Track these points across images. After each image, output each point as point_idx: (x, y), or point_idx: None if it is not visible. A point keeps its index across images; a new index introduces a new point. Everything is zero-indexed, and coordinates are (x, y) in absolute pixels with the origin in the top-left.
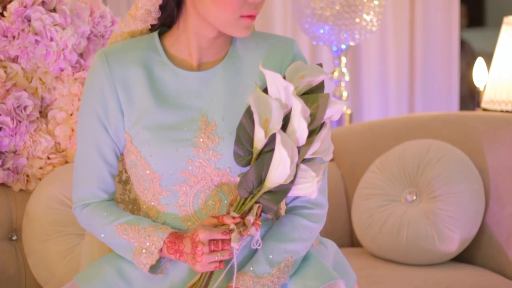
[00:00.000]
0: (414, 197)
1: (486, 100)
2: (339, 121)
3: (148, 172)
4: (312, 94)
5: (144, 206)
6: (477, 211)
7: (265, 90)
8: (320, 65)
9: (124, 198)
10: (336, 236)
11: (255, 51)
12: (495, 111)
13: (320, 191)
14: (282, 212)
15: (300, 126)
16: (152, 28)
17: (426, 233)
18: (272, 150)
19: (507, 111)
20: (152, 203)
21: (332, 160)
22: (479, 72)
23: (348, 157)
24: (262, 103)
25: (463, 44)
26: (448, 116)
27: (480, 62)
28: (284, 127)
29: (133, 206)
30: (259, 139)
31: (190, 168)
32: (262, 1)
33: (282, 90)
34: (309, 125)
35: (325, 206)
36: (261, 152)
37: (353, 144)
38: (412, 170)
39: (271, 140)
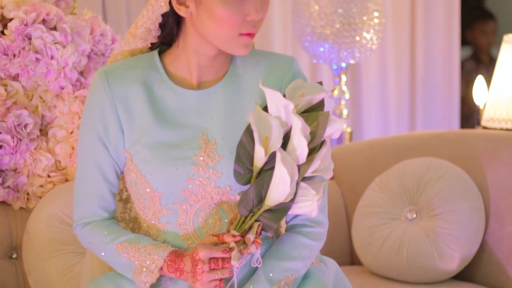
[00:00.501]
0: (414, 215)
1: (486, 118)
2: (339, 139)
3: (148, 190)
4: (312, 112)
5: (145, 225)
6: (477, 229)
7: (265, 108)
8: (320, 83)
9: (124, 216)
10: (336, 254)
11: (255, 69)
12: (495, 129)
13: (320, 209)
14: (283, 230)
15: (300, 144)
16: (152, 47)
17: (427, 251)
18: (272, 168)
19: (507, 129)
20: (153, 222)
21: (332, 178)
22: (479, 90)
23: (348, 175)
24: (262, 121)
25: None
26: (448, 134)
27: (480, 80)
28: (284, 145)
29: (134, 225)
30: (259, 157)
31: (190, 186)
32: (261, 19)
33: (282, 108)
34: (309, 143)
35: (326, 224)
36: (261, 170)
37: (353, 162)
38: (412, 188)
39: (271, 158)
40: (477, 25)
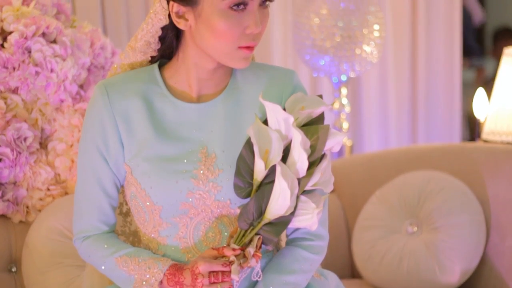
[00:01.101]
0: (415, 229)
1: (487, 132)
2: (340, 153)
3: (148, 204)
4: (312, 126)
5: (145, 238)
6: (478, 242)
7: (265, 122)
8: (320, 96)
9: (124, 230)
10: (336, 267)
11: (255, 83)
12: (496, 142)
13: (320, 222)
14: (283, 243)
15: (300, 158)
16: (152, 60)
17: (427, 265)
18: (272, 181)
19: (507, 143)
20: (153, 235)
21: (332, 191)
22: (480, 103)
23: (348, 188)
24: (262, 134)
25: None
26: (448, 147)
27: (480, 93)
28: (284, 158)
29: (134, 238)
30: (259, 171)
31: (190, 200)
32: (261, 32)
33: (282, 121)
34: (309, 157)
35: (326, 237)
36: (261, 184)
37: (354, 175)
38: (413, 202)
39: (271, 171)
40: None
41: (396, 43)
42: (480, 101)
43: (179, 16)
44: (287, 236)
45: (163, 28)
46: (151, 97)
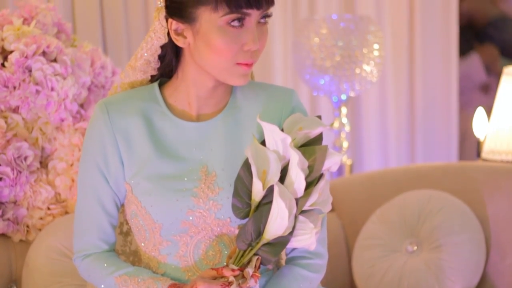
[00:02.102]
0: (415, 248)
1: (487, 151)
2: (340, 171)
3: (148, 222)
4: (310, 146)
5: (145, 257)
6: (478, 261)
7: (264, 142)
8: (319, 117)
9: (125, 249)
10: (336, 286)
11: (254, 102)
12: (496, 161)
13: (320, 241)
14: (283, 262)
15: (297, 178)
16: (152, 79)
17: (427, 284)
18: (271, 202)
19: (507, 162)
20: (153, 254)
21: (332, 210)
22: (479, 122)
23: (348, 207)
24: (260, 155)
25: None
26: (448, 166)
27: (480, 112)
28: (282, 179)
29: (134, 258)
30: (257, 191)
31: (191, 218)
32: (260, 49)
33: (279, 142)
34: (307, 177)
35: (325, 256)
36: (259, 204)
37: (354, 194)
38: (413, 221)
39: (269, 192)
40: None
41: (394, 62)
42: (479, 120)
43: (178, 33)
44: (286, 255)
45: (162, 47)
46: (151, 115)
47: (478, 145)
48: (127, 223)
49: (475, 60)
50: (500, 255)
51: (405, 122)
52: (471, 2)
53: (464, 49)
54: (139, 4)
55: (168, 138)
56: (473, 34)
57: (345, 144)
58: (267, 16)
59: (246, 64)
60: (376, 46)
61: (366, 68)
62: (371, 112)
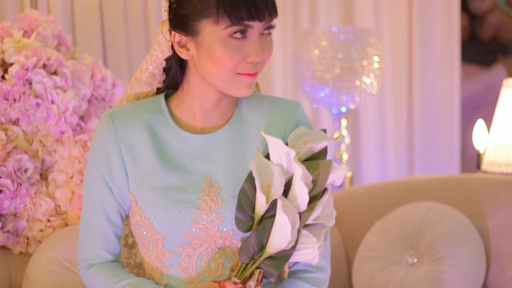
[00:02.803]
0: (415, 260)
1: (487, 163)
2: (340, 184)
3: (152, 233)
4: (314, 161)
5: (149, 268)
6: (478, 273)
7: (268, 155)
8: (324, 130)
9: (129, 262)
10: None
11: (259, 115)
12: (496, 173)
13: (322, 255)
14: (285, 275)
15: (301, 192)
16: (158, 92)
17: None
18: (274, 215)
19: (507, 174)
20: (156, 265)
21: None
22: (480, 134)
23: (348, 220)
24: (263, 168)
25: None
26: (448, 178)
27: (480, 124)
28: (286, 192)
29: (139, 270)
30: (261, 205)
31: (193, 230)
32: (264, 60)
33: (284, 155)
34: (310, 191)
35: (328, 270)
36: (262, 218)
37: (354, 207)
38: (413, 233)
39: (273, 205)
40: None
41: (394, 74)
42: (479, 132)
43: (181, 45)
44: (289, 268)
45: (167, 60)
46: (157, 127)
47: (478, 157)
48: (132, 236)
49: (499, 71)
50: (500, 267)
51: (404, 134)
52: (499, 15)
53: (489, 61)
54: (139, 16)
55: (173, 150)
56: (499, 46)
57: (345, 156)
58: (271, 27)
59: (249, 74)
60: (376, 58)
61: (366, 80)
62: (370, 124)
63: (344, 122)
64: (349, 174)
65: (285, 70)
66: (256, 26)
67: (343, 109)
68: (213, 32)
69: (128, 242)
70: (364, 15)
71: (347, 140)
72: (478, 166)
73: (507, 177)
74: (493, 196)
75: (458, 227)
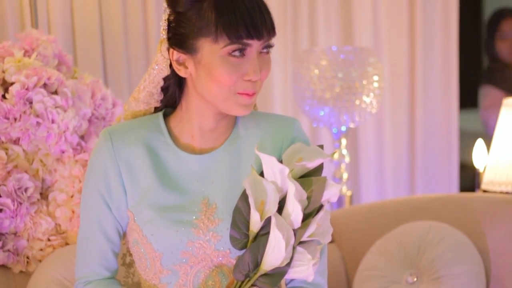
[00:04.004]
0: (415, 279)
1: (486, 182)
2: (339, 203)
3: (149, 250)
4: (309, 178)
5: (146, 285)
6: None
7: (262, 173)
8: (321, 146)
9: (127, 281)
10: None
11: (255, 132)
12: (495, 192)
13: (319, 272)
14: None
15: (294, 210)
16: (156, 111)
17: None
18: (268, 233)
19: (507, 193)
20: (153, 282)
21: (332, 241)
22: (479, 154)
23: (348, 239)
24: (257, 186)
25: None
26: (448, 197)
27: (479, 143)
28: (280, 210)
29: None
30: (255, 222)
31: (190, 249)
32: (262, 79)
33: (278, 173)
34: (305, 208)
35: (324, 287)
36: (257, 235)
37: (354, 226)
38: (413, 252)
39: (267, 223)
40: None
41: (393, 93)
42: (479, 151)
43: (180, 63)
44: (286, 285)
45: (165, 79)
46: (155, 145)
47: (478, 176)
48: (130, 255)
49: None
50: (500, 286)
51: (404, 153)
52: None
53: None
54: (140, 36)
55: (171, 169)
56: None
57: (345, 176)
58: (269, 46)
59: (247, 94)
60: (375, 77)
61: (366, 99)
62: (370, 143)
63: (344, 141)
64: (349, 193)
65: (285, 89)
66: (255, 45)
67: (343, 128)
68: (212, 50)
69: (126, 261)
70: (363, 35)
71: (347, 159)
72: (478, 185)
73: (506, 196)
74: (492, 215)
75: (458, 246)
